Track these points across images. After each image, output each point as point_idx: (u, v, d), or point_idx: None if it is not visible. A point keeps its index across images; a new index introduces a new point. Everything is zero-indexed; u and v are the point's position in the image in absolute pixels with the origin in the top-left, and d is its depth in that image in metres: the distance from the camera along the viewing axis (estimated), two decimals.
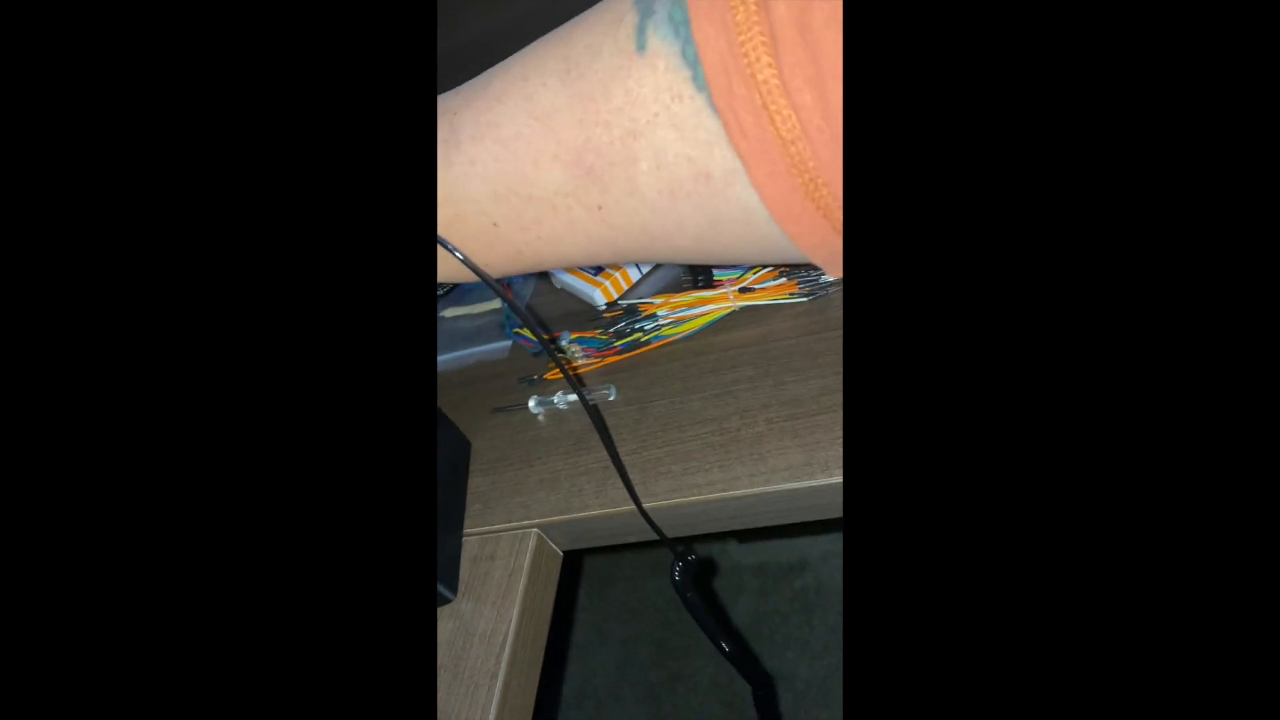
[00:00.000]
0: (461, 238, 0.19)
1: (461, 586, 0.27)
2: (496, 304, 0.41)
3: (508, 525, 0.28)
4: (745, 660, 0.28)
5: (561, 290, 0.40)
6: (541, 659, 0.26)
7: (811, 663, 0.80)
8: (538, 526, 0.28)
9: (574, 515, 0.28)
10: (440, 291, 0.45)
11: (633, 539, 0.28)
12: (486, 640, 0.25)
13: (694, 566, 0.26)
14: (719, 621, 0.25)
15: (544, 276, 0.41)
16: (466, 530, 0.29)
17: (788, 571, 0.87)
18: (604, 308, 0.36)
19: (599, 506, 0.27)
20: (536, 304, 0.41)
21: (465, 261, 0.20)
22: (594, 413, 0.20)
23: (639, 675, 0.85)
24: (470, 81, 0.20)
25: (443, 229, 0.19)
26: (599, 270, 0.37)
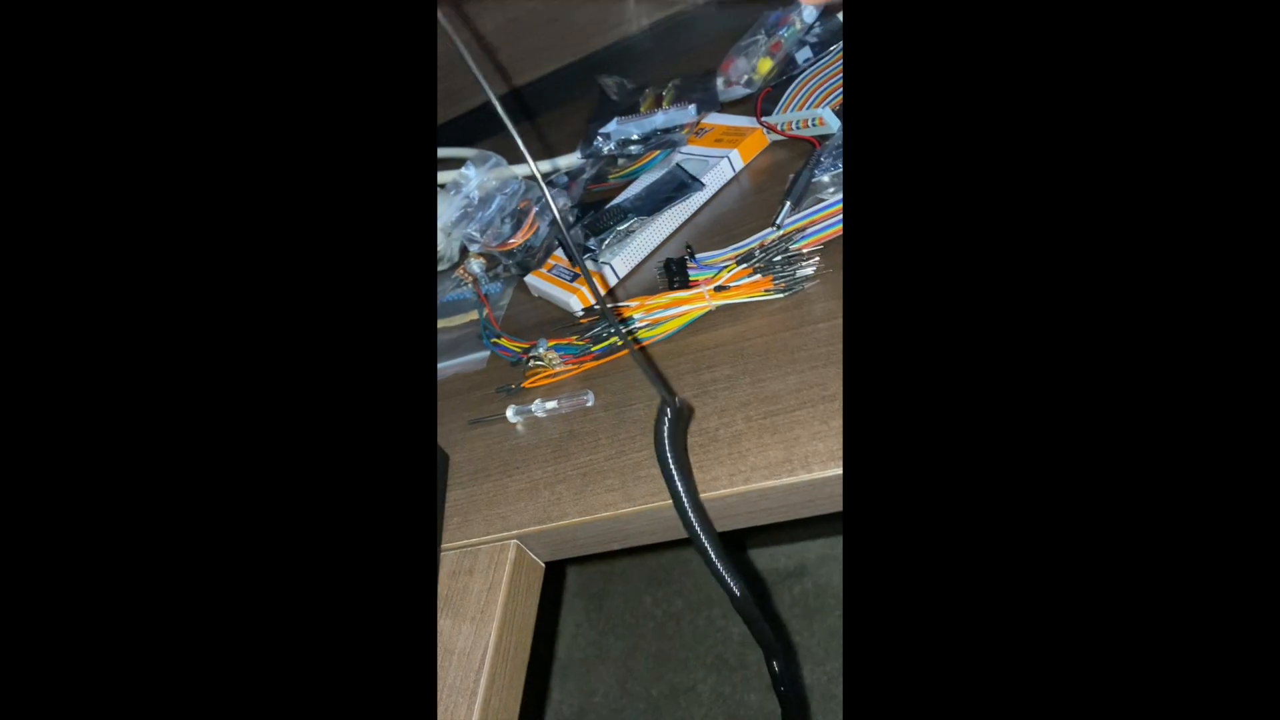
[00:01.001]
0: None
1: (440, 602, 0.26)
2: (473, 315, 0.41)
3: (486, 538, 0.28)
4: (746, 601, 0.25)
5: (539, 298, 0.39)
6: (524, 674, 0.25)
7: (813, 668, 0.79)
8: (517, 537, 0.27)
9: (553, 524, 0.27)
10: None
11: (615, 546, 0.28)
12: (465, 657, 0.24)
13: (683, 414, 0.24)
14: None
15: (521, 286, 0.41)
16: (445, 544, 0.28)
17: (786, 577, 0.86)
18: (580, 314, 0.36)
19: (578, 514, 0.27)
20: (513, 313, 0.40)
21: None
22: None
23: (640, 689, 0.84)
24: None
25: None
26: (575, 277, 0.37)
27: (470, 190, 0.43)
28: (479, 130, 0.58)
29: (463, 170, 0.43)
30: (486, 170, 0.43)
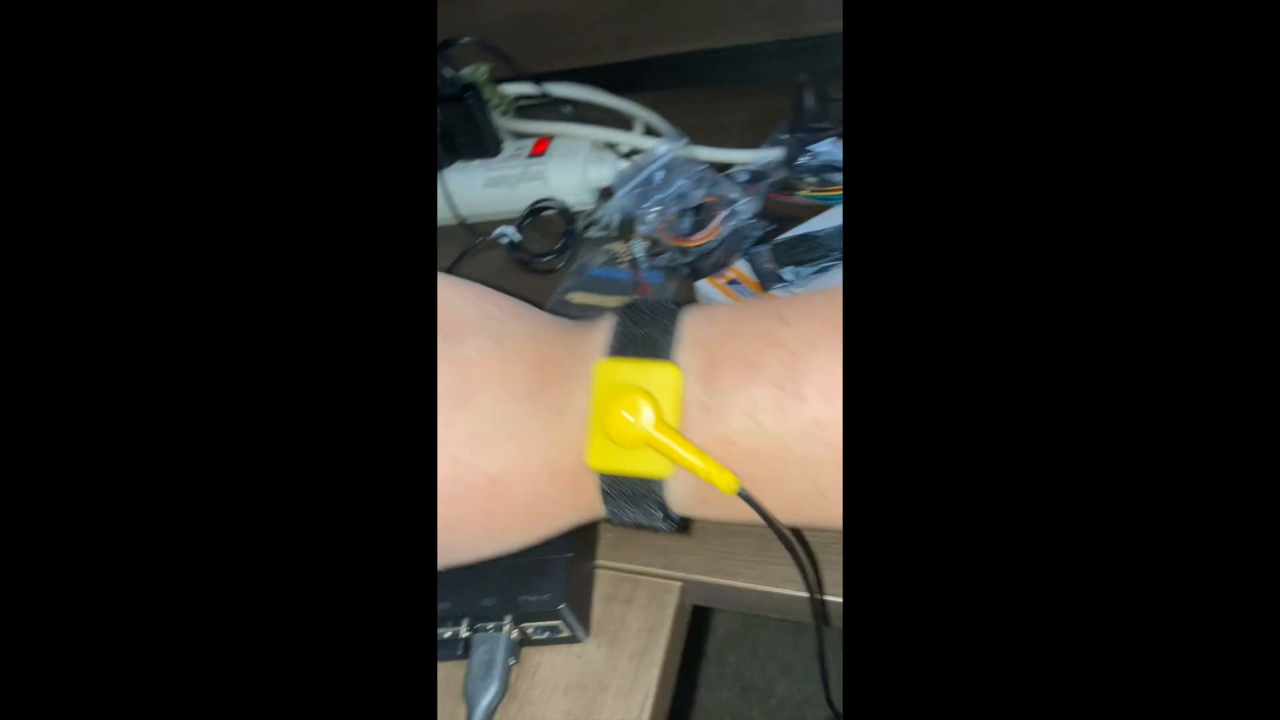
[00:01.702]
0: (779, 496, 0.19)
1: (593, 626, 0.26)
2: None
3: (648, 569, 0.27)
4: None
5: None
6: None
7: (789, 683, 0.81)
8: (682, 581, 0.27)
9: (724, 581, 0.26)
10: (552, 259, 0.42)
11: (775, 615, 0.27)
12: (624, 697, 0.24)
13: None
14: None
15: (683, 282, 0.39)
16: (600, 562, 0.27)
17: None
18: None
19: (753, 579, 0.26)
20: None
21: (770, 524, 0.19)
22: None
23: None
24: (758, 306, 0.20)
25: (753, 481, 0.18)
26: (732, 281, 0.35)
27: (656, 168, 0.40)
28: (631, 83, 0.54)
29: (656, 146, 0.40)
30: (678, 149, 0.41)
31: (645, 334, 0.19)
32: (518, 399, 0.19)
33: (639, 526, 0.20)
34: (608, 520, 0.20)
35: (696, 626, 0.27)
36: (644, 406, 0.18)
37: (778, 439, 0.18)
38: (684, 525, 0.26)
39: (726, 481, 0.18)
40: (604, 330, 0.20)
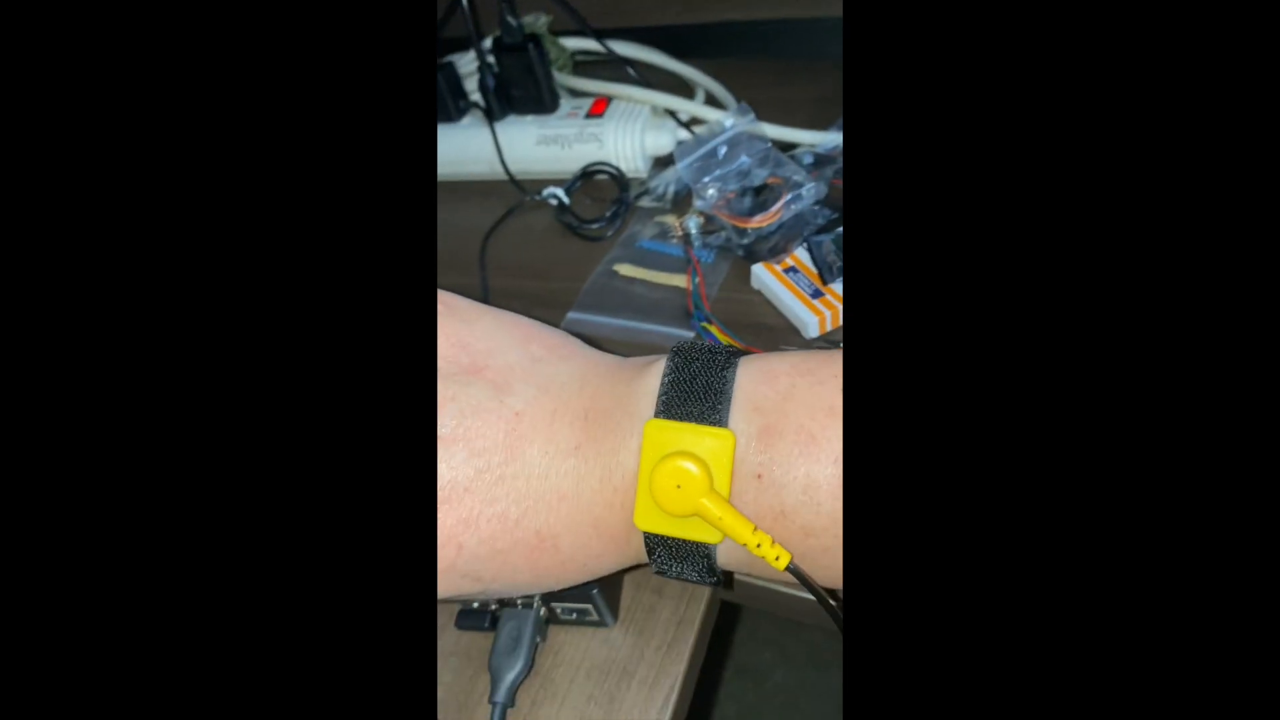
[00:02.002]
0: (831, 569, 0.19)
1: (621, 613, 0.25)
2: (679, 280, 0.37)
3: None
4: None
5: (758, 292, 0.36)
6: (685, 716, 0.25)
7: (786, 670, 0.82)
8: None
9: (762, 582, 0.25)
10: (600, 227, 0.41)
11: (808, 621, 0.26)
12: (648, 688, 0.23)
13: None
14: None
15: (737, 265, 0.37)
16: None
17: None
18: (815, 338, 0.33)
19: (788, 584, 0.25)
20: (723, 296, 0.37)
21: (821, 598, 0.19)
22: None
23: None
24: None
25: (805, 557, 0.18)
26: (818, 294, 0.33)
27: (721, 141, 0.38)
28: (695, 48, 0.52)
29: (722, 119, 0.39)
30: (744, 125, 0.39)
31: (698, 391, 0.18)
32: (565, 454, 0.19)
33: (682, 579, 0.20)
34: (651, 569, 0.20)
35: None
36: (694, 474, 0.17)
37: (834, 518, 0.17)
38: (728, 580, 0.26)
39: (779, 558, 0.18)
40: (651, 383, 0.19)
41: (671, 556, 0.19)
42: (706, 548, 0.18)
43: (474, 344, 0.20)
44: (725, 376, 0.19)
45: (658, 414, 0.18)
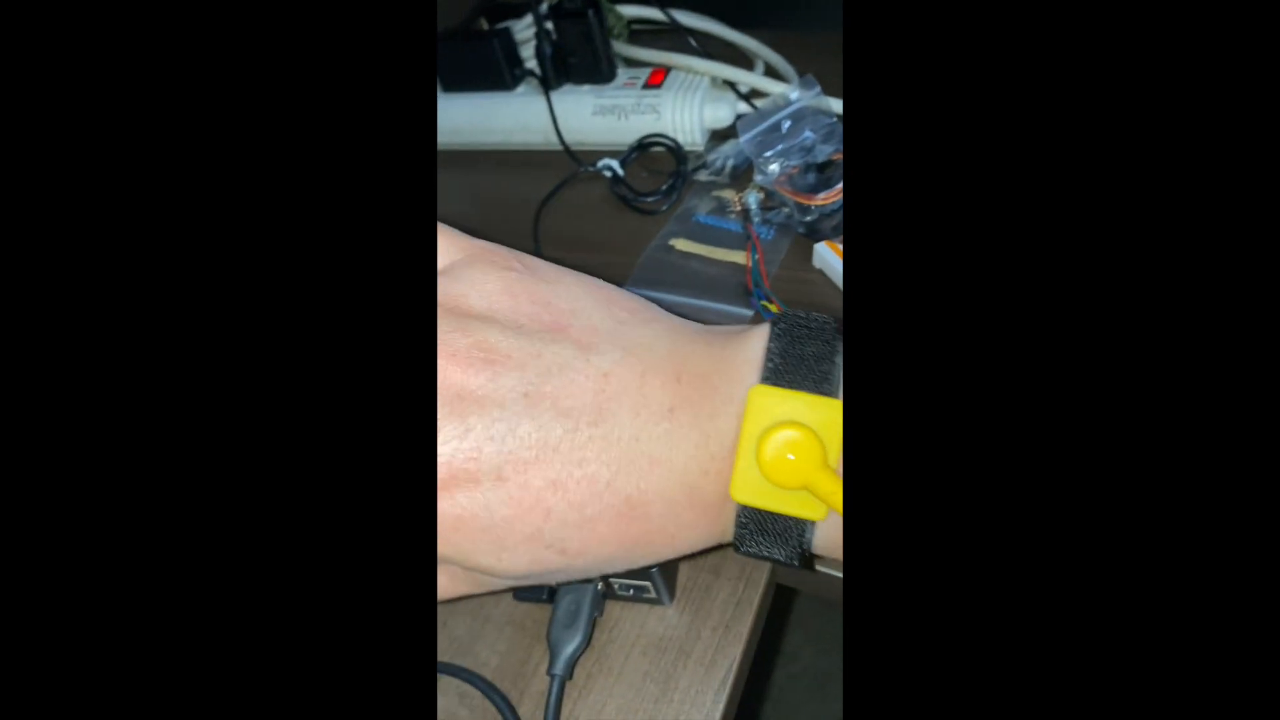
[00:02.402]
0: None
1: (678, 591, 0.25)
2: (738, 256, 0.37)
3: None
4: None
5: (818, 270, 0.35)
6: (736, 712, 0.24)
7: (816, 653, 0.82)
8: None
9: (820, 568, 0.25)
10: (656, 200, 0.40)
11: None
12: (705, 667, 0.23)
13: None
14: None
15: (798, 243, 0.36)
16: None
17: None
18: None
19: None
20: (783, 274, 0.36)
21: None
22: None
23: None
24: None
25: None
26: None
27: (785, 115, 0.37)
28: (754, 18, 0.50)
29: (788, 91, 0.37)
30: (809, 99, 0.37)
31: (806, 360, 0.17)
32: (657, 418, 0.18)
33: (765, 559, 0.19)
34: (734, 548, 0.19)
35: None
36: (810, 445, 0.16)
37: None
38: (810, 563, 0.25)
39: None
40: (755, 347, 0.18)
41: (763, 532, 0.18)
42: (805, 525, 0.18)
43: (556, 303, 0.19)
44: (834, 346, 0.18)
45: (764, 380, 0.17)
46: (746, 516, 0.18)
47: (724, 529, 0.19)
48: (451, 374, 0.17)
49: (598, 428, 0.17)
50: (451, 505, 0.17)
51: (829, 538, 0.18)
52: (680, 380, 0.18)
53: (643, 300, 0.21)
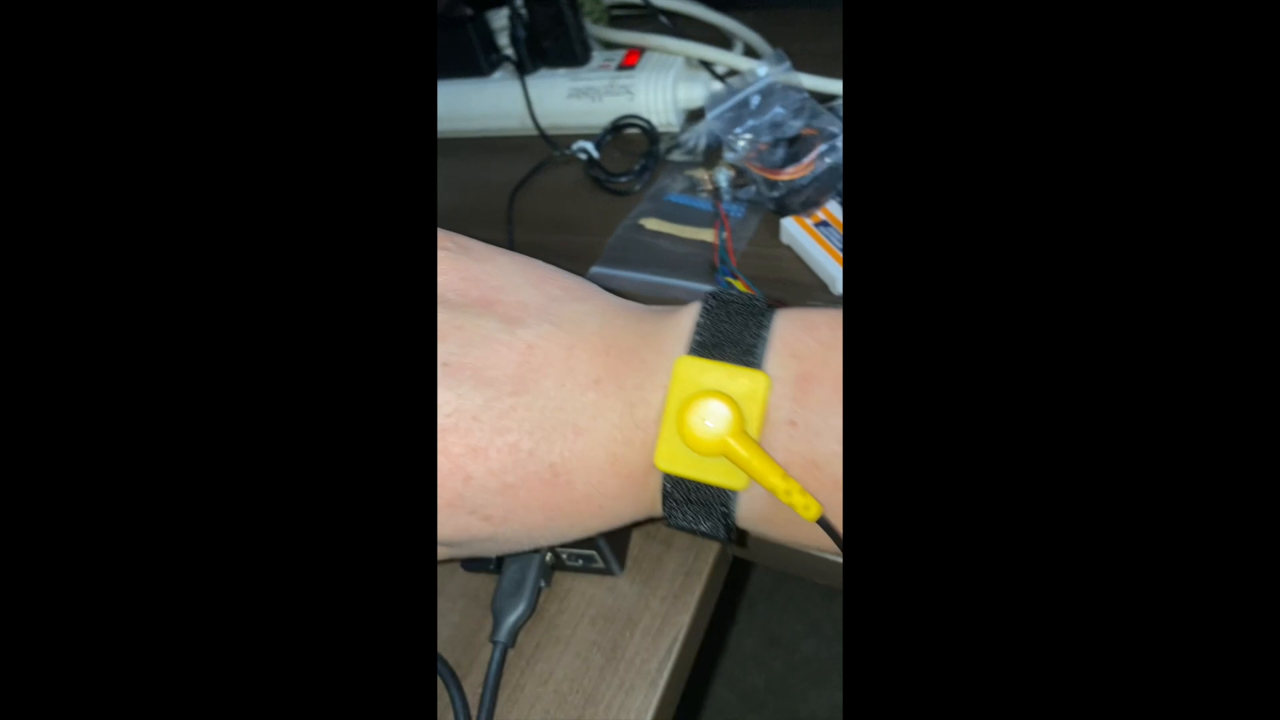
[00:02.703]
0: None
1: (629, 561, 0.25)
2: (707, 235, 0.36)
3: None
4: None
5: (786, 247, 0.35)
6: (686, 680, 0.24)
7: (818, 643, 0.81)
8: None
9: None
10: (629, 180, 0.40)
11: (819, 581, 0.25)
12: (652, 637, 0.23)
13: None
14: None
15: (767, 221, 0.36)
16: None
17: None
18: (840, 295, 0.31)
19: (808, 537, 0.24)
20: (751, 250, 0.36)
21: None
22: None
23: None
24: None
25: (835, 511, 0.18)
26: None
27: (753, 91, 0.37)
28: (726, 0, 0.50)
29: (755, 68, 0.37)
30: (779, 74, 0.37)
31: (733, 334, 0.18)
32: (583, 388, 0.18)
33: (694, 533, 0.19)
34: (663, 521, 0.19)
35: (731, 575, 0.26)
36: (725, 412, 0.17)
37: None
38: (741, 539, 0.25)
39: (808, 507, 0.17)
40: (684, 323, 0.18)
41: (689, 502, 0.18)
42: (727, 495, 0.18)
43: (486, 280, 0.19)
44: (762, 321, 0.18)
45: (690, 352, 0.18)
46: (672, 485, 0.18)
47: (651, 500, 0.19)
48: None
49: (520, 397, 0.17)
50: None
51: (754, 511, 0.18)
52: (608, 354, 0.18)
53: (580, 280, 0.21)
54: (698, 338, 0.18)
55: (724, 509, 0.18)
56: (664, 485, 0.18)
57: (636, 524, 0.26)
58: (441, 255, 0.19)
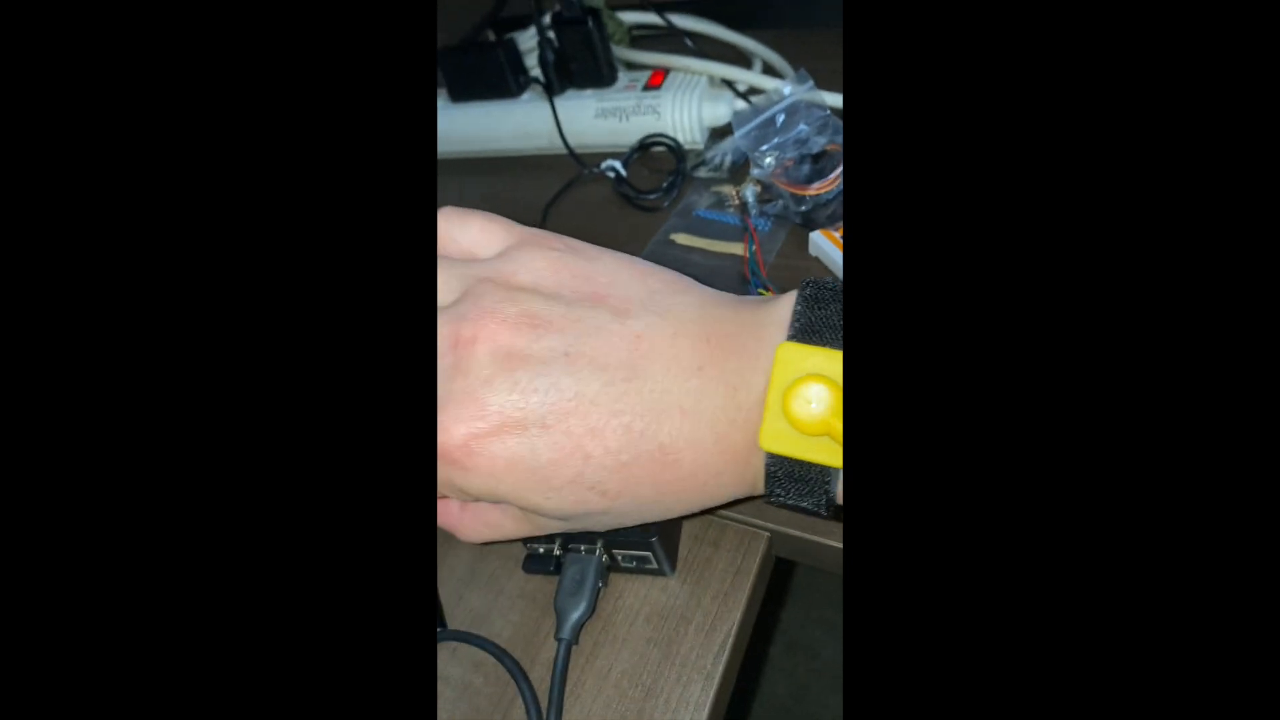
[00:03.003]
0: None
1: (679, 563, 0.26)
2: (735, 248, 0.38)
3: (737, 517, 0.27)
4: None
5: (815, 259, 0.36)
6: (738, 674, 0.25)
7: (837, 647, 0.82)
8: (771, 532, 0.26)
9: (813, 538, 0.26)
10: (657, 197, 0.42)
11: None
12: (705, 634, 0.24)
13: None
14: None
15: (794, 234, 0.37)
16: None
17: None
18: None
19: (841, 539, 0.25)
20: (779, 263, 0.37)
21: None
22: None
23: None
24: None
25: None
26: None
27: (779, 110, 0.38)
28: (753, 17, 0.51)
29: (781, 87, 0.39)
30: (802, 93, 0.39)
31: (830, 319, 0.19)
32: (687, 374, 0.19)
33: (796, 509, 0.20)
34: (764, 499, 0.20)
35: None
36: (827, 395, 0.18)
37: None
38: (837, 514, 0.26)
39: None
40: (782, 311, 0.20)
41: (792, 479, 0.19)
42: (829, 472, 0.19)
43: (595, 277, 0.21)
44: None
45: (790, 339, 0.19)
46: (775, 465, 0.19)
47: (754, 479, 0.20)
48: (502, 337, 0.19)
49: (631, 383, 0.19)
50: (503, 449, 0.19)
51: None
52: (709, 341, 0.20)
53: (678, 275, 0.23)
54: (797, 324, 0.19)
55: (825, 485, 0.19)
56: (767, 464, 0.19)
57: (693, 517, 0.27)
58: (554, 256, 0.21)
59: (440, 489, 0.20)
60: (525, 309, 0.20)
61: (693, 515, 0.27)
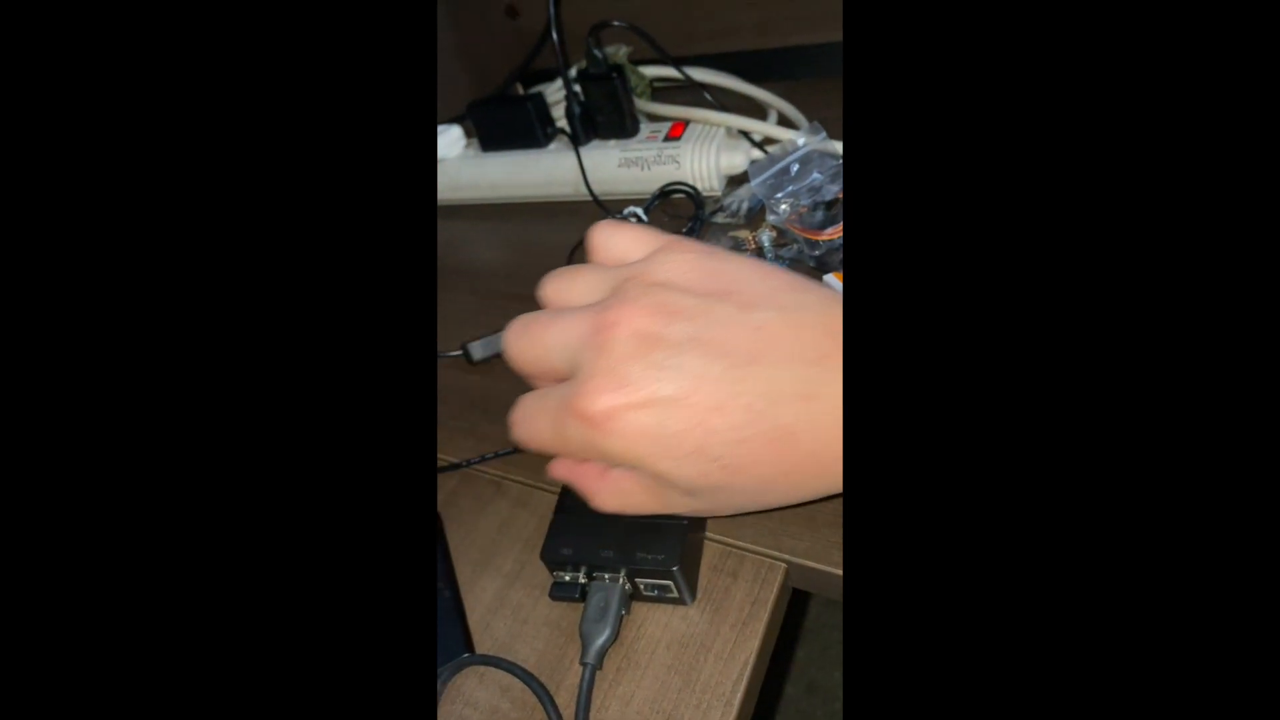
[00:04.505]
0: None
1: (699, 593, 0.27)
2: None
3: (755, 547, 0.28)
4: None
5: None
6: (756, 702, 0.26)
7: None
8: (787, 562, 0.27)
9: (828, 569, 0.27)
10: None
11: None
12: (724, 662, 0.25)
13: None
14: None
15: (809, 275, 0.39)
16: (710, 533, 0.29)
17: None
18: None
19: None
20: None
21: None
22: None
23: None
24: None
25: None
26: None
27: (793, 160, 0.40)
28: (768, 70, 0.54)
29: (795, 138, 0.41)
30: (816, 143, 0.41)
31: None
32: (808, 363, 0.21)
33: None
34: None
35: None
36: None
37: None
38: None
39: None
40: None
41: None
42: None
43: (723, 275, 0.23)
44: None
45: None
46: None
47: None
48: (639, 322, 0.21)
49: (751, 367, 0.21)
50: (637, 418, 0.21)
51: None
52: (830, 334, 0.22)
53: (800, 276, 0.25)
54: None
55: None
56: None
57: (705, 559, 0.28)
58: (688, 257, 0.23)
59: (584, 452, 0.23)
60: (661, 300, 0.22)
61: (710, 540, 0.29)
